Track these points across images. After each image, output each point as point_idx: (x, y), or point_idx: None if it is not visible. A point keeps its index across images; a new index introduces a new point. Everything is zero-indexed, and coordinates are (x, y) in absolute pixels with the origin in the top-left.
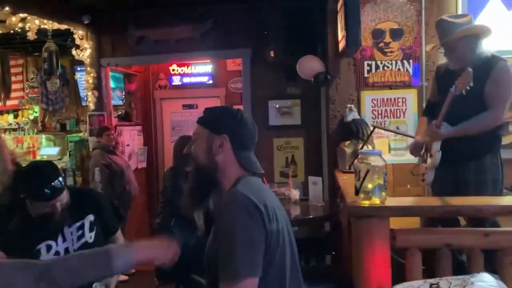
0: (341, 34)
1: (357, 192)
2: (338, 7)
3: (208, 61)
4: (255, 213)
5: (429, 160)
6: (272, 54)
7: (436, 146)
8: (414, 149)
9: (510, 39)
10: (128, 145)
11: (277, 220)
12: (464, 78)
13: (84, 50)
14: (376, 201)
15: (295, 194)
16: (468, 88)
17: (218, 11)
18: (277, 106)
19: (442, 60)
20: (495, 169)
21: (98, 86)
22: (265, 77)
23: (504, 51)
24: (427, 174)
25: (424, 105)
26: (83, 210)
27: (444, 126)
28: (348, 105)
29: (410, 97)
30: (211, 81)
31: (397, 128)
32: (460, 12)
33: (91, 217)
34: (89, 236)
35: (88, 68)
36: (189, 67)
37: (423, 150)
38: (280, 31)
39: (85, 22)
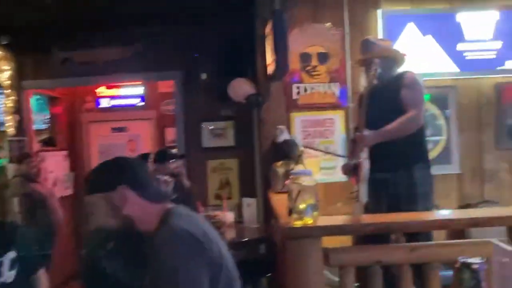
0: (270, 58)
1: (290, 213)
2: (267, 32)
3: (139, 83)
4: (197, 247)
5: (360, 192)
6: (204, 76)
7: (361, 155)
8: (347, 169)
9: (425, 63)
10: (52, 171)
11: (218, 247)
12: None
13: (3, 72)
14: (309, 221)
15: (230, 216)
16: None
17: (148, 33)
18: (210, 127)
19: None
20: (425, 183)
21: (19, 109)
22: (197, 99)
23: (420, 75)
24: (359, 191)
25: (351, 126)
26: (3, 246)
27: (366, 131)
28: (279, 127)
29: (337, 118)
30: (142, 103)
31: (326, 148)
32: (380, 36)
33: (12, 254)
34: (9, 276)
35: (8, 91)
36: (119, 89)
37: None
38: (212, 53)
39: (3, 43)
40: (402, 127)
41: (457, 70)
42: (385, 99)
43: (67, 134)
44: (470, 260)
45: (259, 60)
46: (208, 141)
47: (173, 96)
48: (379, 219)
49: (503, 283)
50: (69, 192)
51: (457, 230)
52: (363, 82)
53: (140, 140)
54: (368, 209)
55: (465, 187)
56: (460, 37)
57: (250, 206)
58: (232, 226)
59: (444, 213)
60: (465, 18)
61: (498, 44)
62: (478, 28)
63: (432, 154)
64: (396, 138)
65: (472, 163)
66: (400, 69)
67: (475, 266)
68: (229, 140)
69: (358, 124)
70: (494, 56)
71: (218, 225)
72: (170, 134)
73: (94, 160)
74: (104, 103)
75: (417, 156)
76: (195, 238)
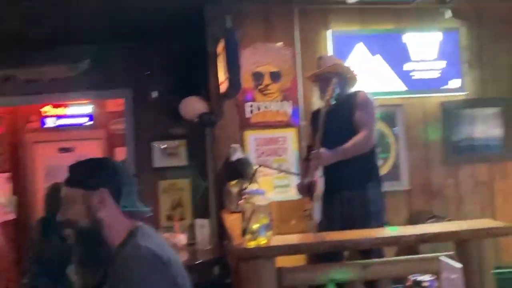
0: (222, 76)
1: (243, 233)
2: (219, 50)
3: (87, 101)
4: (160, 268)
5: (314, 212)
6: (155, 94)
7: (317, 173)
8: (300, 188)
9: (374, 82)
10: None
11: (181, 272)
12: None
13: None
14: (262, 241)
15: (182, 239)
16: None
17: (96, 50)
18: (162, 147)
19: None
20: (378, 201)
21: None
22: (148, 117)
23: (371, 94)
24: (314, 210)
25: (303, 144)
26: None
27: (322, 150)
28: (233, 145)
29: (290, 136)
30: (90, 122)
31: (280, 166)
32: (332, 53)
33: None
34: None
35: None
36: (66, 108)
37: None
38: (163, 71)
39: None
40: (356, 147)
41: (404, 89)
42: (339, 118)
43: (10, 155)
44: (420, 278)
45: (211, 78)
46: (159, 161)
47: (123, 114)
48: (332, 237)
49: None
50: (11, 217)
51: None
52: (316, 100)
53: None
54: (321, 228)
55: (414, 203)
56: (406, 57)
57: (203, 227)
58: (185, 248)
59: (394, 230)
60: (411, 39)
61: (442, 64)
62: (423, 48)
63: (382, 171)
64: (350, 157)
65: (420, 179)
66: (353, 89)
67: (425, 284)
68: (181, 159)
69: (310, 142)
70: (439, 76)
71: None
72: (120, 154)
73: (40, 182)
74: (50, 122)
75: (370, 174)
76: (160, 259)
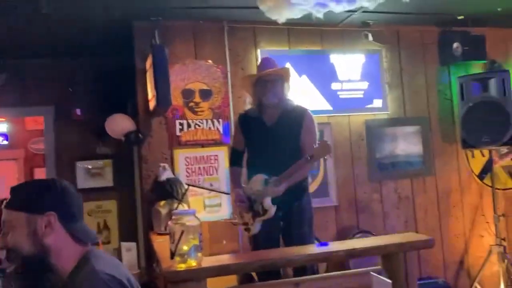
0: (151, 93)
1: (172, 255)
2: (147, 66)
3: (3, 119)
4: None
5: (255, 226)
6: (79, 112)
7: (269, 201)
8: (240, 201)
9: (302, 101)
10: None
11: None
12: (321, 150)
13: None
14: (192, 263)
15: None
16: (325, 158)
17: (13, 65)
18: (86, 167)
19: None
20: (310, 208)
21: None
22: (72, 136)
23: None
24: (255, 226)
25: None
26: None
27: (275, 180)
28: (162, 164)
29: (222, 154)
30: (6, 142)
31: (211, 185)
32: None
33: None
34: None
35: None
36: None
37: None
38: (88, 87)
39: None
40: (303, 172)
41: (331, 108)
42: (286, 134)
43: None
44: None
45: (139, 95)
46: (83, 182)
47: (44, 133)
48: (263, 256)
49: None
50: None
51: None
52: (249, 106)
53: (5, 182)
54: (259, 238)
55: (342, 219)
56: (334, 77)
57: (130, 251)
58: None
59: (325, 246)
60: (338, 60)
61: (365, 85)
62: (349, 69)
63: (311, 188)
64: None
65: (347, 195)
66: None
67: None
68: (107, 180)
69: (237, 146)
70: (362, 96)
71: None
72: (40, 175)
73: None
74: None
75: (305, 187)
76: (119, 282)
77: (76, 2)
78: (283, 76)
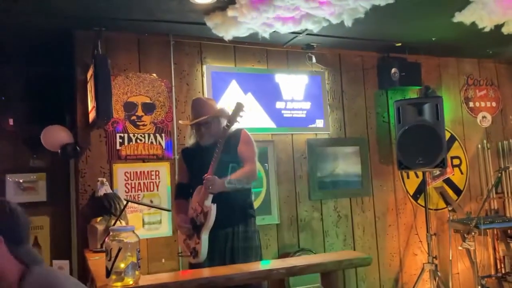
0: (91, 104)
1: (108, 273)
2: (88, 77)
3: None
4: None
5: (202, 246)
6: (11, 122)
7: (208, 202)
8: (184, 222)
9: (245, 119)
10: None
11: None
12: (236, 111)
13: None
14: (129, 281)
15: None
16: (241, 115)
17: None
18: (17, 180)
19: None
20: (257, 237)
21: None
22: (2, 147)
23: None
24: (201, 244)
25: (177, 177)
26: None
27: (213, 176)
28: (100, 179)
29: (163, 170)
30: None
31: (151, 201)
32: (206, 91)
33: None
34: None
35: None
36: None
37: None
38: (22, 96)
39: None
40: (244, 177)
41: (275, 126)
42: (227, 154)
43: None
44: None
45: (79, 106)
46: (14, 196)
47: None
48: (203, 274)
49: None
50: None
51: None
52: (191, 140)
53: None
54: (204, 264)
55: (283, 237)
56: (278, 96)
57: (63, 269)
58: None
59: (266, 264)
60: (282, 79)
61: (308, 105)
62: (293, 89)
63: (255, 205)
64: (237, 188)
65: (288, 213)
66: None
67: None
68: (40, 195)
69: (182, 179)
70: (305, 115)
71: None
72: None
73: None
74: None
75: (249, 210)
76: None
77: (12, 7)
78: (217, 116)
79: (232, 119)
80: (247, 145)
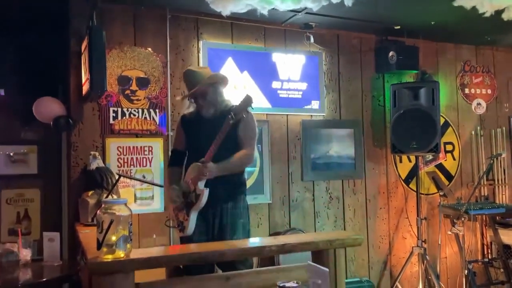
0: (85, 76)
1: (99, 246)
2: (83, 49)
3: None
4: None
5: (190, 222)
6: (2, 92)
7: (201, 185)
8: (175, 197)
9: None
10: None
11: None
12: (243, 103)
13: None
14: (121, 254)
15: (26, 254)
16: (248, 110)
17: None
18: (8, 152)
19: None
20: (245, 214)
21: None
22: None
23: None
24: (189, 221)
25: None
26: None
27: (211, 163)
28: (92, 152)
29: (157, 145)
30: None
31: (144, 176)
32: (201, 65)
33: None
34: None
35: None
36: None
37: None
38: (13, 67)
39: None
40: (240, 163)
41: (270, 106)
42: (224, 131)
43: None
44: (287, 284)
45: (72, 78)
46: (4, 168)
47: None
48: (195, 249)
49: None
50: None
51: (268, 256)
52: (189, 109)
53: None
54: (191, 239)
55: (275, 216)
56: (274, 76)
57: (53, 241)
58: (28, 264)
59: (258, 240)
60: (279, 59)
61: (304, 86)
62: (290, 69)
63: (247, 184)
64: (232, 172)
65: (280, 193)
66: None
67: None
68: (31, 167)
69: (178, 146)
70: (300, 96)
71: (10, 265)
72: None
73: None
74: None
75: (241, 188)
76: None
77: None
78: (214, 83)
79: (237, 112)
80: (249, 128)
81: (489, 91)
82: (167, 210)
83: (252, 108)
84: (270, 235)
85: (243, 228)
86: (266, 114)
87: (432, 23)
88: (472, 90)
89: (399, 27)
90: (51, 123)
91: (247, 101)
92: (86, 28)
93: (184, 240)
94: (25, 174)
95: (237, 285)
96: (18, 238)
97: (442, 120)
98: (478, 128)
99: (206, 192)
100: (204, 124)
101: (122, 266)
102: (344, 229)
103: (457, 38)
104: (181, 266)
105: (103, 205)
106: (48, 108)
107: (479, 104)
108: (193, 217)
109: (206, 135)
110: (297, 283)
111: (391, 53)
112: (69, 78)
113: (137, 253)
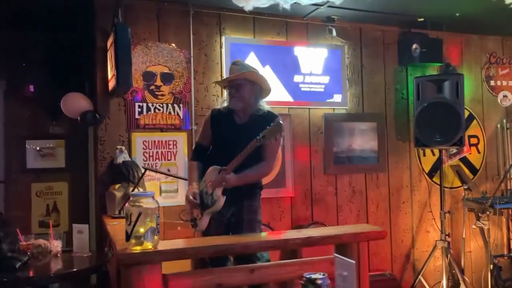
0: (111, 72)
1: (128, 237)
2: (108, 45)
3: None
4: None
5: (202, 221)
6: (31, 88)
7: (219, 191)
8: (192, 195)
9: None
10: None
11: None
12: (273, 129)
13: None
14: (149, 245)
15: (57, 245)
16: (277, 137)
17: None
18: (37, 147)
19: (213, 105)
20: (260, 211)
21: None
22: (22, 113)
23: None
24: (202, 220)
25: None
26: None
27: (232, 175)
28: (118, 147)
29: (181, 140)
30: None
31: (168, 170)
32: (224, 62)
33: None
34: None
35: None
36: None
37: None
38: (43, 63)
39: None
40: (259, 175)
41: (292, 100)
42: (254, 132)
43: None
44: (314, 276)
45: (99, 74)
46: (33, 162)
47: None
48: (221, 241)
49: None
50: None
51: (292, 249)
52: (221, 103)
53: None
54: (207, 235)
55: (297, 210)
56: (296, 70)
57: (82, 233)
58: (59, 255)
59: (282, 233)
60: (302, 53)
61: (326, 79)
62: (312, 62)
63: (269, 178)
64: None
65: (303, 187)
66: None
67: (318, 281)
68: (59, 161)
69: (202, 141)
70: (323, 90)
71: (41, 256)
72: None
73: None
74: None
75: (259, 186)
76: None
77: None
78: (252, 80)
79: (267, 135)
80: (274, 142)
81: None
82: None
83: (276, 138)
84: (292, 228)
85: (258, 225)
86: (288, 108)
87: (457, 14)
88: (498, 82)
89: (422, 19)
90: (79, 118)
91: (278, 127)
92: (112, 25)
93: (203, 235)
94: (54, 168)
95: (262, 277)
96: (48, 230)
97: (466, 113)
98: (504, 121)
99: (222, 200)
100: (233, 126)
101: (150, 257)
102: (367, 223)
103: (482, 30)
104: (207, 259)
105: (131, 198)
106: (76, 103)
107: (505, 96)
108: (206, 217)
109: (233, 139)
110: (323, 275)
111: (414, 46)
112: (95, 74)
113: (165, 245)
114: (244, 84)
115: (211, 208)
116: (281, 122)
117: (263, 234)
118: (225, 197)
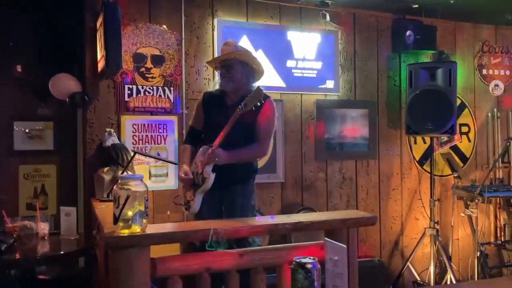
0: (100, 53)
1: (116, 220)
2: (98, 25)
3: None
4: None
5: (195, 202)
6: (19, 68)
7: (208, 168)
8: (186, 177)
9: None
10: None
11: None
12: (254, 96)
13: None
14: (137, 229)
15: (44, 228)
16: (258, 104)
17: None
18: (25, 129)
19: (204, 89)
20: (253, 196)
21: None
22: (9, 94)
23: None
24: (195, 201)
25: (184, 132)
26: None
27: (219, 150)
28: (108, 129)
29: (171, 123)
30: None
31: (158, 154)
32: (216, 45)
33: None
34: None
35: None
36: None
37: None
38: (31, 43)
39: None
40: (251, 155)
41: (284, 85)
42: (243, 121)
43: None
44: (304, 260)
45: (88, 55)
46: (21, 144)
47: None
48: (210, 225)
49: (335, 280)
50: None
51: (282, 235)
52: (213, 86)
53: None
54: (199, 218)
55: (287, 195)
56: (289, 55)
57: (69, 216)
58: (46, 238)
59: (272, 218)
60: (294, 37)
61: (319, 65)
62: (304, 47)
63: (260, 163)
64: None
65: (293, 172)
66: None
67: (308, 266)
68: (47, 143)
69: (195, 124)
70: (315, 75)
71: (28, 239)
72: None
73: None
74: None
75: (254, 171)
76: None
77: None
78: (243, 61)
79: (248, 102)
80: (267, 120)
81: (508, 72)
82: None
83: (258, 104)
84: (282, 213)
85: (251, 210)
86: (280, 93)
87: (451, 1)
88: (490, 71)
89: (417, 6)
90: (67, 99)
91: (259, 93)
92: (101, 4)
93: (196, 219)
94: (42, 150)
95: (251, 261)
96: (35, 213)
97: (458, 102)
98: (495, 110)
99: (212, 177)
100: (224, 107)
101: (138, 240)
102: (357, 209)
103: (476, 18)
104: (197, 244)
105: (119, 181)
106: (64, 84)
107: (496, 85)
108: (199, 198)
109: (224, 120)
110: (313, 259)
111: (408, 33)
112: (84, 55)
113: (153, 228)
114: (235, 64)
115: (202, 187)
116: (261, 88)
117: (253, 218)
118: (214, 173)
